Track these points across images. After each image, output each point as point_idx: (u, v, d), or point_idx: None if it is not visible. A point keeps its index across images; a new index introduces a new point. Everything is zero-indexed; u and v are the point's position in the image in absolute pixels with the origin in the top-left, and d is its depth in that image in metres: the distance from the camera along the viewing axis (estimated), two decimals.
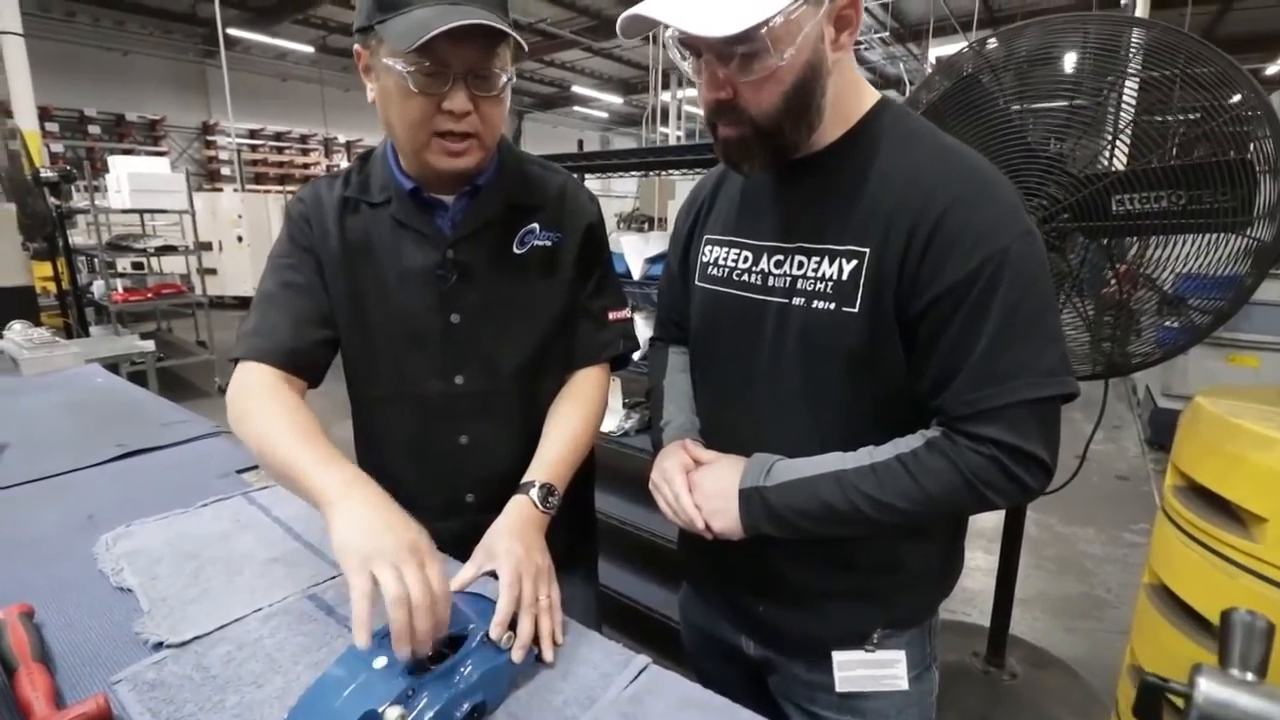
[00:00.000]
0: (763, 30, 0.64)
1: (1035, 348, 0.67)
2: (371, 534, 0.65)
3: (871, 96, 0.78)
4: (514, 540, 0.79)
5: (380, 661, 0.60)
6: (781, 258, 0.79)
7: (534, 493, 0.86)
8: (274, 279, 0.94)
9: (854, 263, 0.72)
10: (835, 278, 0.73)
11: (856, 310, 0.72)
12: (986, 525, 2.85)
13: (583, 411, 0.98)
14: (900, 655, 0.84)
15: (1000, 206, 0.69)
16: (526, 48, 0.82)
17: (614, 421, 2.08)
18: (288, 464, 0.76)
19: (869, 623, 0.84)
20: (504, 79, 0.84)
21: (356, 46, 0.86)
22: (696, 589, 1.03)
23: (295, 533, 0.99)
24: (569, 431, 0.95)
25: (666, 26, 0.66)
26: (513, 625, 0.69)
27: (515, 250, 0.95)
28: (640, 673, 0.71)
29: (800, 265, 0.77)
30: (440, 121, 0.82)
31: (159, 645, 0.73)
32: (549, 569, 0.79)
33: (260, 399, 0.84)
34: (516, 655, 0.67)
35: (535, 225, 0.96)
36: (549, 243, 0.97)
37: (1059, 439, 0.71)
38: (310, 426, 0.80)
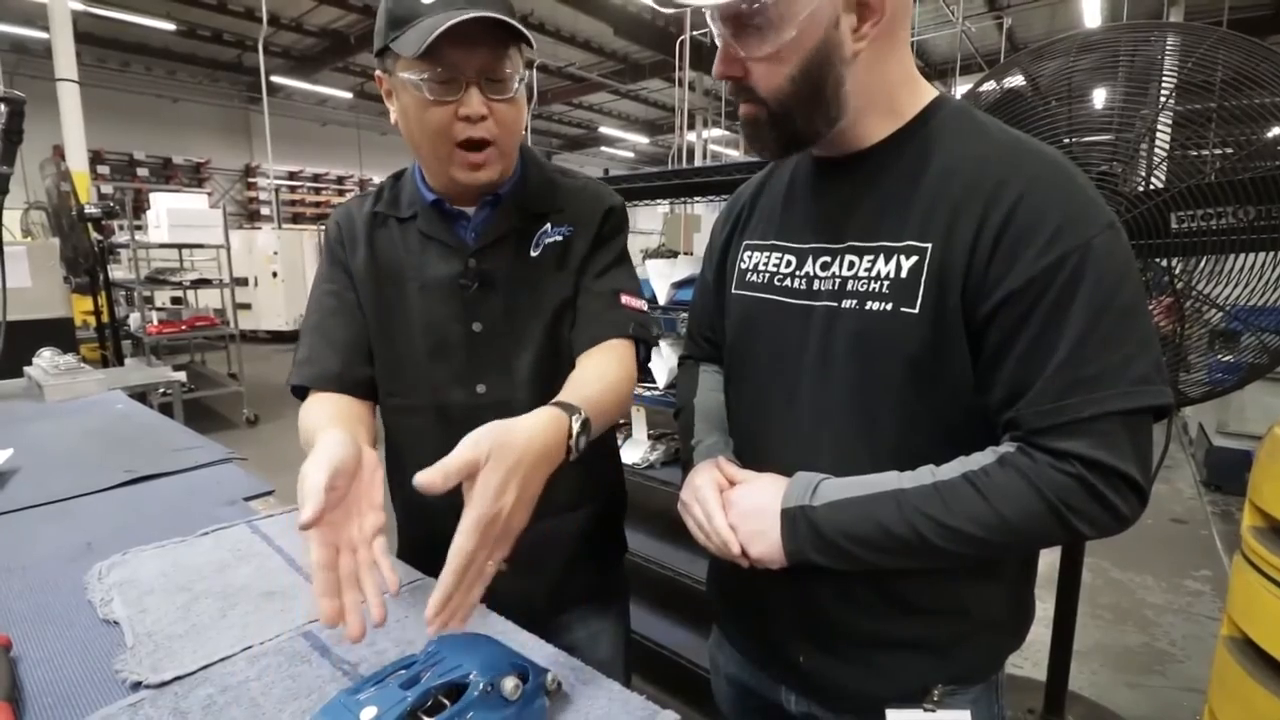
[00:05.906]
0: (757, 4, 0.62)
1: (1125, 353, 0.59)
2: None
3: (929, 93, 0.72)
4: (518, 471, 0.62)
5: (369, 713, 0.53)
6: (829, 259, 0.73)
7: (575, 421, 0.69)
8: (319, 306, 0.97)
9: (914, 259, 0.65)
10: (892, 276, 0.66)
11: (917, 311, 0.64)
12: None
13: (614, 368, 0.85)
14: (965, 716, 0.73)
15: (1080, 196, 0.61)
16: (535, 44, 0.83)
17: (638, 453, 1.98)
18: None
19: (929, 676, 0.73)
20: (517, 82, 0.84)
21: (378, 72, 0.88)
22: (728, 634, 0.93)
23: (297, 565, 0.92)
24: (607, 375, 0.83)
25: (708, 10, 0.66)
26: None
27: (531, 254, 0.94)
28: None
29: (851, 265, 0.70)
30: (459, 129, 0.82)
31: (137, 685, 0.67)
32: (518, 530, 0.63)
33: (310, 414, 0.88)
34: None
35: (548, 225, 0.95)
36: (560, 237, 0.95)
37: (1151, 458, 0.61)
38: (338, 417, 0.84)
